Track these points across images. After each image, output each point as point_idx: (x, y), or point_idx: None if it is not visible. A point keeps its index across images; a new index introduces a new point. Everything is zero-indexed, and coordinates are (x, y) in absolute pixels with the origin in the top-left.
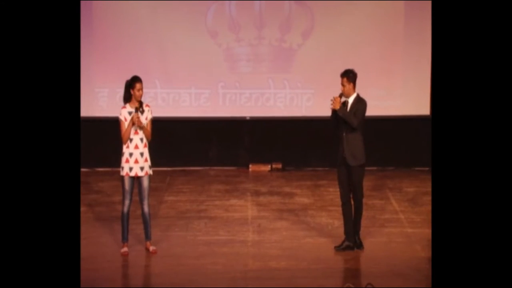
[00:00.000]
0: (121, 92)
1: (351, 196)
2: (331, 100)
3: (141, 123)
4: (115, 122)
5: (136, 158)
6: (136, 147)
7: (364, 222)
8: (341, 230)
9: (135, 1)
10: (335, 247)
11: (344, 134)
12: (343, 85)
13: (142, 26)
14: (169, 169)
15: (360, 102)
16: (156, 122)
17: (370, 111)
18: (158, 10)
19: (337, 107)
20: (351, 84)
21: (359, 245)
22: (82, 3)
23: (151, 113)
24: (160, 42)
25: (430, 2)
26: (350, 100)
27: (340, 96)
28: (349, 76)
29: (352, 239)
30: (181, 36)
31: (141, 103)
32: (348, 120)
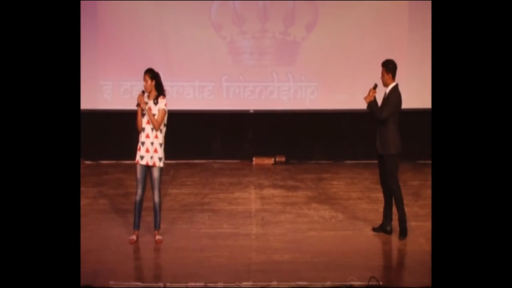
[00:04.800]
0: (125, 84)
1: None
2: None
3: (142, 102)
4: (119, 115)
5: (147, 147)
6: (148, 136)
7: (368, 215)
8: (344, 223)
9: None
10: (373, 228)
11: (377, 125)
12: (382, 74)
13: (146, 19)
14: (173, 162)
15: (392, 94)
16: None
17: None
18: (162, 3)
19: (367, 100)
20: (389, 75)
21: (402, 233)
22: None
23: (166, 105)
24: (164, 35)
25: None
26: (387, 90)
27: (375, 87)
28: (388, 66)
29: (388, 224)
30: (185, 29)
31: (158, 95)
32: (376, 114)
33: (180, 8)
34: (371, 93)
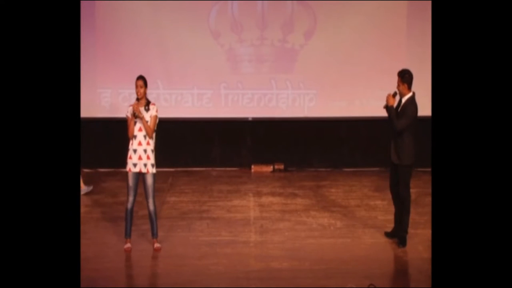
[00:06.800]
0: (123, 92)
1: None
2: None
3: (139, 111)
4: (117, 123)
5: (139, 154)
6: (140, 143)
7: (366, 222)
8: (343, 231)
9: (138, 1)
10: (385, 232)
11: (393, 133)
12: (397, 83)
13: (145, 27)
14: (171, 169)
15: (410, 105)
16: (159, 122)
17: (373, 112)
18: (160, 10)
19: (391, 103)
20: (405, 85)
21: (401, 242)
22: (84, 3)
23: (157, 111)
24: (163, 43)
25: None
26: (404, 100)
27: (394, 94)
28: (404, 77)
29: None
30: (184, 37)
31: (148, 102)
32: (393, 121)
33: (178, 15)
34: (390, 99)
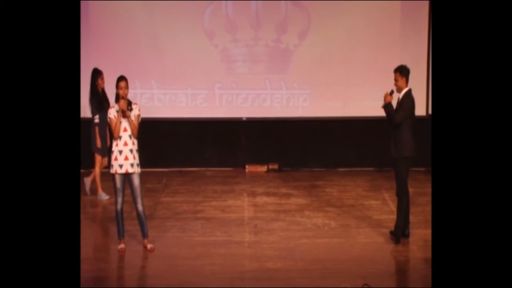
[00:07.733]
0: None
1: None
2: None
3: (125, 107)
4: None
5: (126, 155)
6: (125, 144)
7: (361, 222)
8: (338, 231)
9: (132, 1)
10: (390, 231)
11: (392, 130)
12: (395, 79)
13: (139, 27)
14: (165, 169)
15: (407, 98)
16: (153, 122)
17: (367, 112)
18: (154, 11)
19: (388, 100)
20: (404, 79)
21: (395, 240)
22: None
23: (139, 110)
24: (157, 43)
25: (426, 2)
26: (401, 95)
27: (391, 93)
28: (402, 71)
29: (406, 228)
30: (178, 37)
31: (129, 102)
32: (390, 116)
33: (173, 16)
34: (388, 97)
